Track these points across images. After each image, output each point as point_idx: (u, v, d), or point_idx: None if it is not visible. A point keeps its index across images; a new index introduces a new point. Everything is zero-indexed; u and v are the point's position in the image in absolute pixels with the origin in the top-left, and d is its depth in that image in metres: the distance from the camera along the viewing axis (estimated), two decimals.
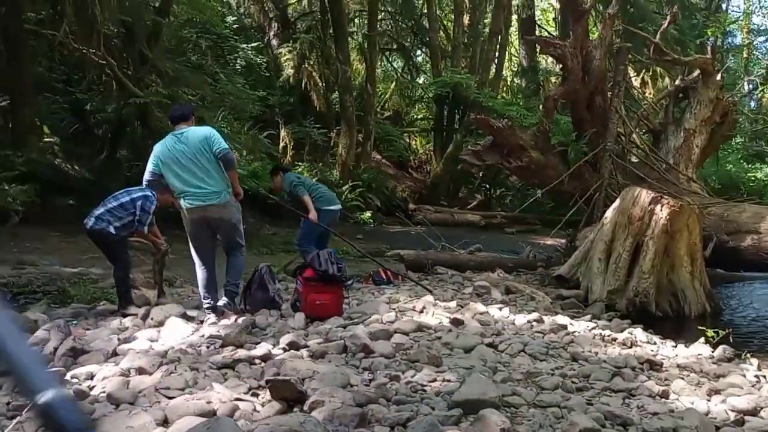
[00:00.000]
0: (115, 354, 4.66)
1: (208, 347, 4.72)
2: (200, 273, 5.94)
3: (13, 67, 10.99)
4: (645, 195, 7.79)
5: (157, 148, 5.86)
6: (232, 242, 6.04)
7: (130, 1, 11.83)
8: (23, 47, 11.19)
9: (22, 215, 10.34)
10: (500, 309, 6.37)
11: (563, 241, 10.71)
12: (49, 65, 13.06)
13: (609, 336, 5.58)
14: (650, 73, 21.10)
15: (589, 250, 8.30)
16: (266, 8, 19.54)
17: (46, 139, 12.39)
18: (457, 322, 5.50)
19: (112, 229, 5.98)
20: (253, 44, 17.41)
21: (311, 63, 18.81)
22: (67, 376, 4.06)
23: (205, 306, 5.87)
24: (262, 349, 4.54)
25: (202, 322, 5.68)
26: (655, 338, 5.81)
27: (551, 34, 24.22)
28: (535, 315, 6.12)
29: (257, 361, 4.32)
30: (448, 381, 3.97)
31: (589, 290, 7.92)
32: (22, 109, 11.14)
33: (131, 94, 11.48)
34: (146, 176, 5.90)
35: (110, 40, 11.83)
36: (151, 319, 5.65)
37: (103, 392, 3.74)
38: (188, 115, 6.10)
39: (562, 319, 6.18)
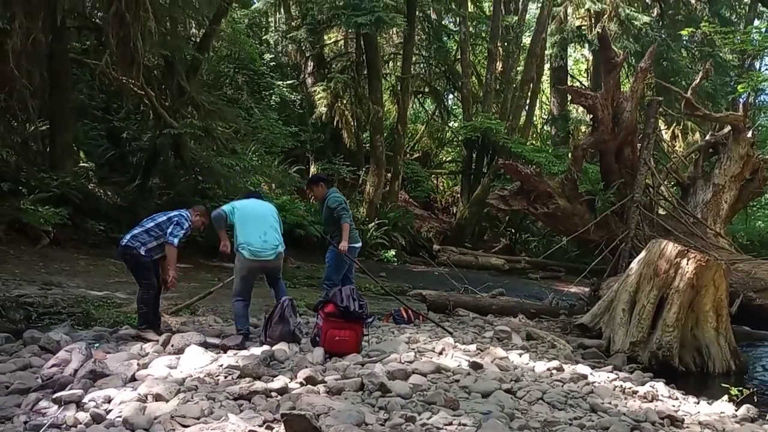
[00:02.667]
0: (133, 379, 4.72)
1: (225, 377, 4.75)
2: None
3: (56, 93, 11.35)
4: (672, 248, 7.71)
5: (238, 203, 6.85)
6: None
7: (172, 36, 12.19)
8: (66, 75, 11.56)
9: (53, 237, 10.57)
10: (520, 355, 6.31)
11: (587, 289, 10.61)
12: (89, 93, 13.48)
13: (630, 388, 5.50)
14: (681, 127, 21.05)
15: (612, 300, 8.21)
16: (303, 47, 19.96)
17: (81, 164, 12.70)
18: (476, 366, 5.46)
19: (143, 251, 6.28)
20: (289, 81, 17.81)
21: (344, 102, 19.11)
22: (85, 399, 4.11)
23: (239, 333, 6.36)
24: (279, 382, 4.55)
25: (223, 350, 5.73)
26: (677, 393, 5.71)
27: (583, 85, 24.37)
28: (555, 363, 6.05)
29: (274, 394, 4.34)
30: (464, 425, 3.94)
31: (611, 341, 7.81)
32: (60, 134, 11.46)
33: (167, 124, 11.76)
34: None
35: (150, 71, 12.17)
36: (171, 345, 5.71)
37: (120, 417, 3.79)
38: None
39: (582, 368, 6.10)
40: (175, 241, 6.29)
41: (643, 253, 8.17)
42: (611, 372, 6.27)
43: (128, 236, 6.38)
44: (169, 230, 6.31)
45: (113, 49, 10.54)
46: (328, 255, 7.75)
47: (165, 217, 6.47)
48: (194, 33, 14.59)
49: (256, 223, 6.55)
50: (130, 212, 11.16)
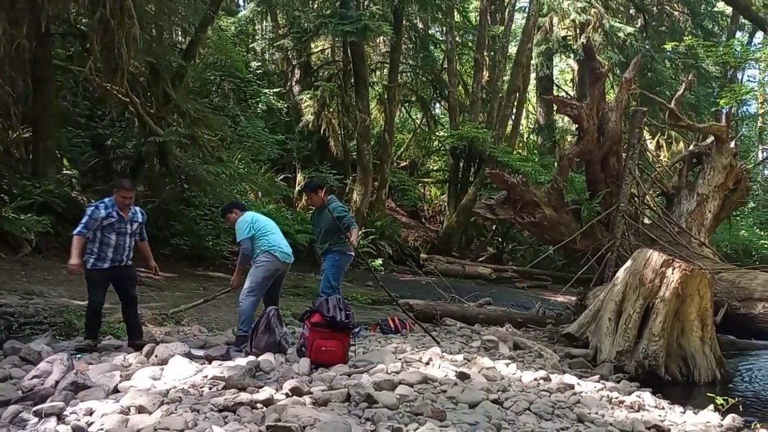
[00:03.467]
0: (116, 391, 4.65)
1: (210, 388, 4.69)
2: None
3: (39, 100, 11.24)
4: (657, 257, 7.75)
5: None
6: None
7: (157, 43, 12.12)
8: (50, 82, 11.45)
9: (34, 245, 10.44)
10: (507, 365, 6.29)
11: (573, 298, 10.64)
12: (73, 100, 13.36)
13: (617, 398, 5.49)
14: (665, 137, 21.23)
15: (599, 309, 8.22)
16: (290, 56, 19.95)
17: (65, 172, 12.57)
18: (463, 376, 5.43)
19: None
20: (275, 89, 17.77)
21: (331, 110, 19.09)
22: (66, 411, 4.04)
23: (240, 335, 6.59)
24: (264, 393, 4.50)
25: (208, 361, 5.67)
26: (664, 403, 5.71)
27: (568, 94, 24.54)
28: (542, 373, 6.03)
29: (259, 405, 4.29)
30: None
31: (597, 350, 7.82)
32: (43, 141, 11.33)
33: (152, 132, 11.69)
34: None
35: (136, 78, 12.10)
36: (155, 356, 5.64)
37: (101, 429, 3.73)
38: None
39: (569, 378, 6.09)
40: (75, 229, 6.19)
41: (628, 263, 8.20)
42: (598, 382, 6.27)
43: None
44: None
45: (97, 56, 10.47)
46: (327, 263, 7.63)
47: None
48: (180, 40, 14.54)
49: (276, 231, 7.08)
50: None
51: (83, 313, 7.60)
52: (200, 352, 5.99)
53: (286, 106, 18.53)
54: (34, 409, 4.02)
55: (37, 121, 11.38)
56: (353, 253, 7.72)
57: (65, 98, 13.08)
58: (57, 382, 4.51)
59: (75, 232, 6.11)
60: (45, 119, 11.35)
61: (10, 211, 9.98)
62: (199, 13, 13.04)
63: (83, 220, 6.11)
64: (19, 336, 6.55)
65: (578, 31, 21.41)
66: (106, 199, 6.30)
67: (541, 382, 5.74)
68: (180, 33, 14.46)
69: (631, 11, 24.10)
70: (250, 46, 20.12)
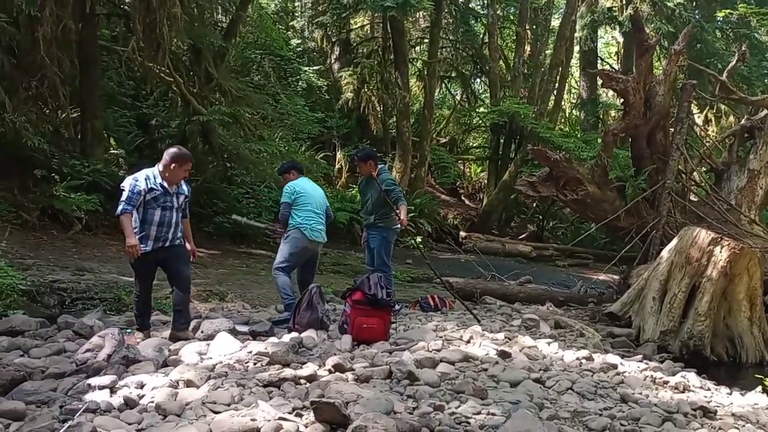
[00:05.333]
0: (165, 365, 4.77)
1: (255, 364, 4.77)
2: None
3: (86, 80, 11.46)
4: (704, 235, 7.59)
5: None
6: None
7: (198, 22, 12.22)
8: (96, 62, 11.66)
9: (84, 223, 10.72)
10: (549, 344, 6.25)
11: (616, 277, 10.49)
12: (118, 80, 13.59)
13: (661, 378, 5.42)
14: (714, 111, 20.63)
15: (643, 288, 8.10)
16: (329, 33, 19.91)
17: (112, 151, 12.83)
18: (504, 355, 5.42)
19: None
20: (315, 67, 17.77)
21: (370, 87, 19.04)
22: (119, 384, 4.17)
23: (287, 302, 6.69)
24: (308, 369, 4.56)
25: (252, 337, 5.77)
26: (709, 384, 5.62)
27: (613, 68, 23.96)
28: (584, 352, 5.98)
29: (303, 381, 4.36)
30: (493, 414, 3.92)
31: (641, 329, 7.72)
32: (91, 121, 11.57)
33: (195, 111, 11.83)
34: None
35: (178, 58, 12.24)
36: (201, 332, 5.76)
37: (152, 402, 3.83)
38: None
39: (612, 358, 6.03)
40: (118, 209, 5.48)
41: (674, 241, 8.05)
42: (641, 361, 6.19)
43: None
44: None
45: (140, 36, 10.62)
46: (376, 240, 7.51)
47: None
48: (221, 19, 14.62)
49: (315, 206, 7.02)
50: None
51: (132, 289, 7.82)
52: (244, 328, 6.10)
53: (326, 83, 18.54)
54: (88, 381, 4.14)
55: (84, 102, 11.62)
56: (399, 227, 7.57)
57: (111, 78, 13.32)
58: (109, 356, 4.64)
59: (119, 212, 5.44)
60: (92, 99, 11.58)
61: (61, 190, 10.24)
62: None
63: (124, 197, 5.44)
64: (72, 311, 6.77)
65: (624, 2, 20.84)
66: (146, 171, 5.64)
67: (584, 361, 5.69)
68: (221, 12, 14.55)
69: None
70: (290, 24, 20.14)
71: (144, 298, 5.79)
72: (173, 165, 5.62)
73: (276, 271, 6.84)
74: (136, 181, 5.51)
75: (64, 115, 11.43)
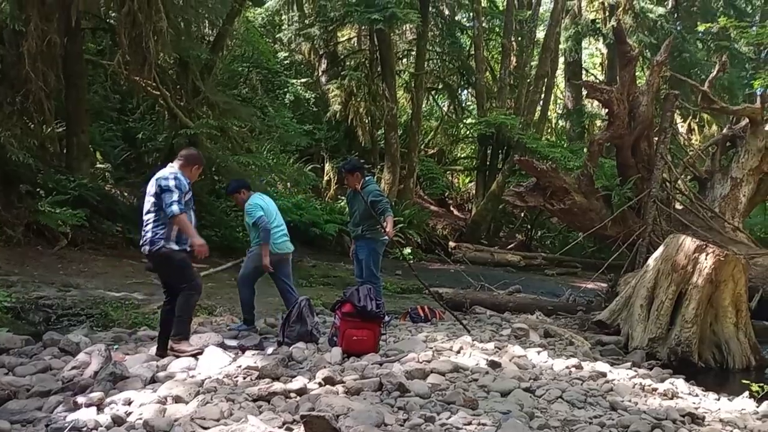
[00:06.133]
0: (153, 381, 4.74)
1: (244, 378, 4.76)
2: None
3: (71, 95, 11.42)
4: (690, 243, 7.64)
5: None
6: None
7: (185, 36, 12.22)
8: (81, 76, 11.63)
9: (70, 238, 10.65)
10: (538, 353, 6.27)
11: (604, 285, 10.55)
12: (104, 94, 13.55)
13: (649, 386, 5.44)
14: (697, 120, 20.87)
15: (630, 296, 8.15)
16: (316, 45, 19.98)
17: (98, 165, 12.78)
18: (494, 365, 5.43)
19: (172, 244, 5.38)
20: (303, 80, 17.82)
21: (358, 99, 19.08)
22: (106, 401, 4.13)
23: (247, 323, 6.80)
24: (298, 382, 4.55)
25: (241, 351, 5.74)
26: (697, 390, 5.65)
27: (597, 79, 24.19)
28: (574, 360, 6.00)
29: (293, 395, 4.34)
30: (484, 425, 3.93)
31: (629, 337, 7.75)
32: (77, 136, 11.53)
33: (182, 124, 11.82)
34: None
35: (165, 71, 12.23)
36: (189, 346, 5.72)
37: (140, 419, 3.81)
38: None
39: (601, 365, 6.05)
40: (175, 208, 5.23)
41: (660, 249, 8.10)
42: (630, 369, 6.21)
43: (147, 235, 5.41)
44: (164, 202, 5.29)
45: (126, 50, 10.60)
46: (364, 251, 7.49)
47: (156, 187, 5.38)
48: (208, 33, 14.64)
49: (278, 219, 7.17)
50: None
51: (119, 304, 7.76)
52: (233, 342, 6.07)
53: (313, 96, 18.59)
54: (74, 399, 4.10)
55: (70, 116, 11.58)
56: (387, 239, 7.52)
57: (97, 92, 13.28)
58: (96, 373, 4.59)
59: (176, 211, 5.20)
60: (78, 114, 11.54)
61: (47, 205, 10.18)
62: (226, 5, 13.11)
63: (175, 197, 5.23)
64: (58, 327, 6.70)
65: (608, 14, 21.10)
66: (170, 171, 5.45)
67: (573, 369, 5.71)
68: (208, 25, 14.56)
69: None
70: (277, 36, 20.19)
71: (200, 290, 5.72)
72: (195, 166, 5.63)
73: (240, 286, 7.05)
74: (178, 180, 5.34)
75: (49, 129, 11.37)
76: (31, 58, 9.77)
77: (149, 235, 5.37)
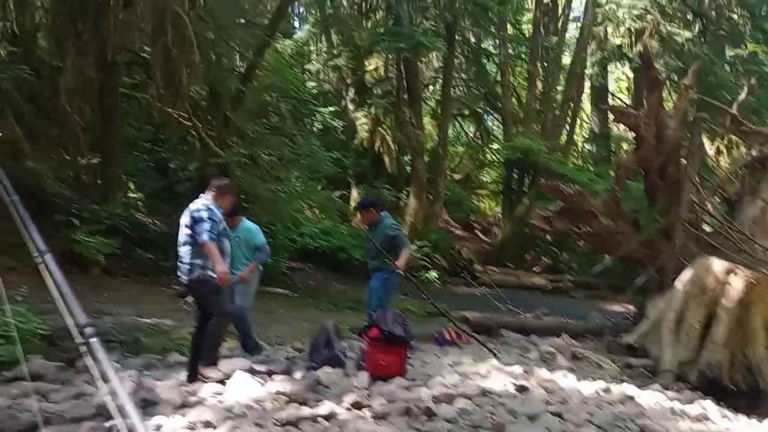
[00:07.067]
0: (183, 406, 4.78)
1: (273, 403, 4.79)
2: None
3: (106, 127, 11.74)
4: (719, 265, 7.60)
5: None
6: None
7: (216, 68, 12.54)
8: (116, 109, 11.96)
9: (104, 266, 10.87)
10: (566, 376, 6.26)
11: (632, 308, 10.46)
12: (138, 126, 13.90)
13: (680, 409, 5.41)
14: (725, 142, 20.64)
15: (658, 318, 8.10)
16: (344, 75, 20.28)
17: (131, 195, 13.06)
18: (522, 389, 5.44)
19: (209, 272, 5.53)
20: (331, 108, 18.07)
21: (385, 127, 19.29)
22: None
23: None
24: (325, 407, 4.59)
25: (269, 375, 5.79)
26: (728, 413, 5.59)
27: (624, 103, 24.11)
28: (602, 383, 5.98)
29: (321, 419, 4.38)
30: None
31: (658, 359, 7.70)
32: (111, 167, 11.81)
33: (213, 154, 12.06)
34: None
35: (197, 103, 12.53)
36: (218, 371, 5.80)
37: None
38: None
39: (630, 388, 6.03)
40: (205, 236, 5.41)
41: (689, 271, 8.06)
42: (659, 392, 6.18)
43: (184, 265, 5.57)
44: (196, 232, 5.49)
45: (159, 83, 10.90)
46: (376, 281, 7.58)
47: (189, 218, 5.58)
48: (239, 64, 14.96)
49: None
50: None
51: (150, 330, 7.87)
52: (262, 367, 6.11)
53: (341, 124, 18.82)
54: (107, 424, 4.14)
55: (104, 148, 11.88)
56: (400, 271, 7.58)
57: (130, 125, 13.62)
58: None
59: (206, 239, 5.38)
60: (112, 146, 11.84)
61: (81, 234, 10.42)
62: (256, 38, 13.42)
63: (208, 226, 5.42)
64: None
65: (634, 39, 21.06)
66: (203, 202, 5.64)
67: (602, 393, 5.70)
68: (238, 57, 14.90)
69: (688, 16, 23.56)
70: (306, 66, 20.54)
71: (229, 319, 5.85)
72: (228, 195, 5.83)
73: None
74: (210, 211, 5.54)
75: (84, 161, 11.69)
76: (68, 92, 10.10)
77: (186, 265, 5.53)
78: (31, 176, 9.99)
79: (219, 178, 6.21)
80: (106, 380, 1.61)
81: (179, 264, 5.64)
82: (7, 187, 2.28)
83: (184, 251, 5.56)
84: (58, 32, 10.63)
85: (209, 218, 5.47)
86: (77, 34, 10.40)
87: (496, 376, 5.89)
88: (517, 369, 6.30)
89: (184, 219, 5.60)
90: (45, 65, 10.35)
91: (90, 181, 12.28)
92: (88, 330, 1.74)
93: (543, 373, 6.14)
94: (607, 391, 5.75)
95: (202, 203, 5.62)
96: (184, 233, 5.57)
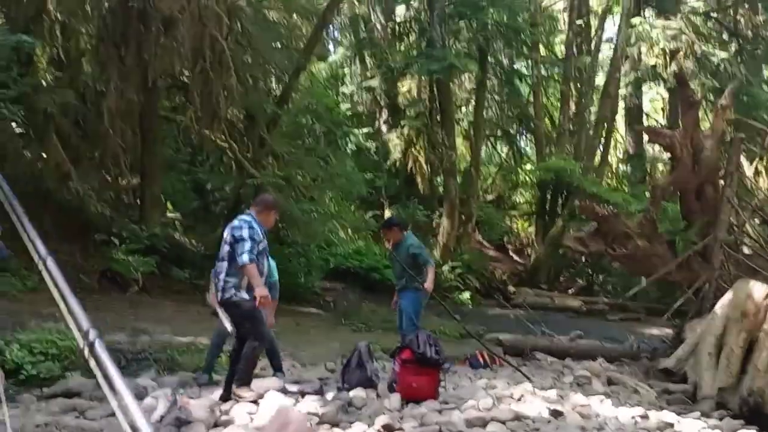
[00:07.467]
0: (215, 425, 4.80)
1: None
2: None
3: (146, 149, 12.04)
4: (760, 288, 7.45)
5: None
6: None
7: (253, 91, 12.80)
8: (156, 132, 12.27)
9: (141, 285, 11.09)
10: (602, 401, 6.17)
11: (670, 332, 10.29)
12: (176, 147, 14.22)
13: None
14: (764, 163, 20.28)
15: (697, 343, 7.95)
16: (378, 96, 20.48)
17: (168, 215, 13.33)
18: (556, 414, 5.37)
19: (244, 293, 5.45)
20: (364, 130, 18.26)
21: (417, 148, 19.39)
22: None
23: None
24: (357, 429, 4.59)
25: (302, 396, 5.82)
26: None
27: (659, 123, 23.86)
28: (639, 410, 5.88)
29: None
30: None
31: (697, 385, 7.55)
32: (150, 187, 12.10)
33: (249, 175, 12.27)
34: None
35: (233, 125, 12.79)
36: (251, 391, 5.85)
37: None
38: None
39: (668, 415, 5.91)
40: (245, 258, 5.30)
41: (729, 294, 7.92)
42: (699, 419, 6.06)
43: (219, 283, 5.51)
44: (236, 252, 5.40)
45: (197, 106, 11.18)
46: (405, 300, 7.60)
47: (230, 236, 5.51)
48: (274, 87, 15.24)
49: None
50: (213, 260, 11.62)
51: (185, 349, 7.98)
52: (294, 387, 6.12)
53: (374, 145, 18.98)
54: None
55: (144, 169, 12.18)
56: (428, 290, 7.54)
57: (169, 146, 13.95)
58: (162, 417, 4.67)
59: (246, 261, 5.26)
60: (151, 167, 12.13)
61: (120, 253, 10.67)
62: (292, 61, 13.68)
63: (248, 246, 5.30)
64: (127, 372, 6.94)
65: (668, 59, 20.89)
66: (245, 219, 5.55)
67: (639, 419, 5.60)
68: (274, 80, 15.17)
69: (724, 36, 23.31)
70: (340, 89, 20.80)
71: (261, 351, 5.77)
72: (272, 212, 5.78)
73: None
74: (252, 230, 5.43)
75: (124, 182, 11.99)
76: (111, 115, 10.41)
77: (221, 283, 5.51)
78: (75, 197, 10.27)
79: (263, 195, 6.17)
80: (110, 384, 1.64)
81: (215, 279, 5.61)
82: (6, 190, 2.33)
83: (221, 267, 5.54)
84: (102, 57, 10.97)
85: (250, 237, 5.37)
86: (120, 59, 10.74)
87: (530, 400, 5.83)
88: (552, 393, 6.23)
89: (226, 234, 5.58)
90: (89, 90, 10.69)
91: (130, 201, 12.57)
92: (92, 333, 1.77)
93: (578, 398, 6.07)
94: (644, 417, 5.65)
95: (245, 220, 5.54)
96: (223, 249, 5.56)
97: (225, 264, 5.51)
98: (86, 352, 1.78)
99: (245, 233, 5.39)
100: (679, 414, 6.19)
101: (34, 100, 9.81)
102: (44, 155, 10.35)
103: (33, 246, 2.10)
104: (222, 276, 5.52)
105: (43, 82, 11.16)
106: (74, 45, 11.51)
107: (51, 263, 2.03)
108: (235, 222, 5.59)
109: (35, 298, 8.11)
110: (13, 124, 9.58)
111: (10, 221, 2.26)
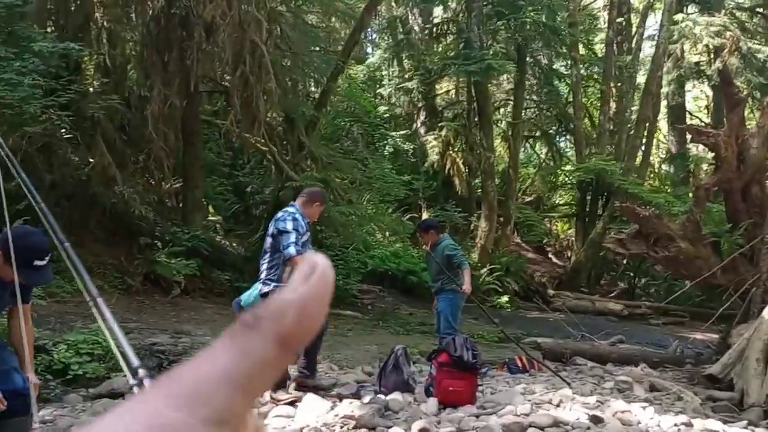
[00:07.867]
0: None
1: (341, 427, 4.84)
2: None
3: (188, 153, 12.28)
4: None
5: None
6: None
7: (292, 94, 12.95)
8: (198, 136, 12.51)
9: (183, 287, 11.31)
10: (644, 408, 6.06)
11: (715, 336, 10.07)
12: (217, 151, 14.47)
13: None
14: None
15: (744, 348, 7.74)
16: (415, 98, 20.51)
17: (210, 218, 13.56)
18: (596, 420, 5.31)
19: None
20: (402, 132, 18.31)
21: (455, 149, 19.35)
22: None
23: None
24: None
25: (339, 399, 5.86)
26: None
27: (702, 122, 23.38)
28: (683, 417, 5.77)
29: None
30: None
31: (744, 393, 7.34)
32: (192, 191, 12.33)
33: (288, 177, 12.41)
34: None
35: (273, 128, 12.97)
36: (289, 394, 5.91)
37: None
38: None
39: (714, 424, 5.78)
40: (292, 250, 5.16)
41: None
42: (746, 428, 5.91)
43: (261, 275, 5.53)
44: (282, 244, 5.29)
45: (238, 109, 11.36)
46: (442, 303, 7.64)
47: (274, 228, 5.44)
48: (313, 90, 15.41)
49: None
50: (254, 262, 11.77)
51: None
52: (331, 391, 6.21)
53: (412, 147, 19.01)
54: None
55: (186, 173, 12.42)
56: (466, 292, 7.60)
57: (210, 150, 14.21)
58: None
59: (294, 252, 5.11)
60: (193, 170, 12.36)
61: (163, 256, 10.89)
62: (330, 64, 13.80)
63: (293, 238, 5.17)
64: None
65: (712, 56, 20.45)
66: (290, 211, 5.46)
67: (683, 427, 5.49)
68: (313, 84, 15.33)
69: None
70: (378, 91, 20.88)
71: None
72: (317, 203, 5.74)
73: None
74: (296, 222, 5.33)
75: (167, 185, 12.24)
76: (154, 120, 10.65)
77: (263, 275, 5.54)
78: (120, 201, 10.53)
79: (314, 187, 6.15)
80: None
81: (261, 270, 5.60)
82: (59, 234, 2.46)
83: (264, 259, 5.56)
84: (146, 63, 11.25)
85: (294, 229, 5.26)
86: (163, 64, 10.99)
87: (569, 406, 5.77)
88: (592, 399, 6.16)
89: (270, 227, 5.58)
90: (134, 95, 10.96)
91: (172, 204, 12.83)
92: (141, 372, 1.87)
93: (619, 404, 5.98)
94: (688, 425, 5.54)
95: (289, 212, 5.45)
96: (267, 241, 5.57)
97: (268, 255, 5.53)
98: (135, 390, 1.89)
99: (289, 225, 5.30)
100: (725, 423, 6.05)
101: (82, 106, 10.10)
102: (91, 160, 10.63)
103: (84, 286, 2.20)
104: (264, 267, 5.53)
105: (90, 89, 11.48)
106: (120, 51, 11.82)
107: (101, 303, 2.13)
108: (279, 214, 5.55)
109: (82, 300, 8.33)
110: (63, 131, 9.86)
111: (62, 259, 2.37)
